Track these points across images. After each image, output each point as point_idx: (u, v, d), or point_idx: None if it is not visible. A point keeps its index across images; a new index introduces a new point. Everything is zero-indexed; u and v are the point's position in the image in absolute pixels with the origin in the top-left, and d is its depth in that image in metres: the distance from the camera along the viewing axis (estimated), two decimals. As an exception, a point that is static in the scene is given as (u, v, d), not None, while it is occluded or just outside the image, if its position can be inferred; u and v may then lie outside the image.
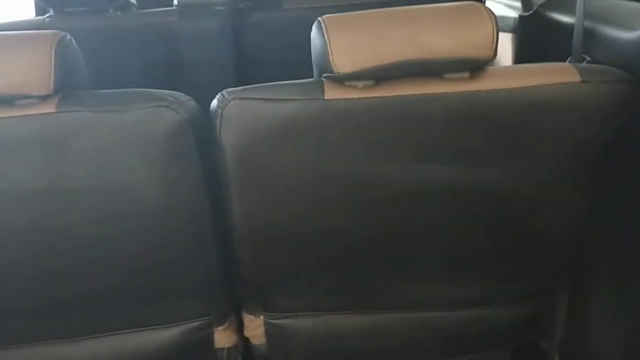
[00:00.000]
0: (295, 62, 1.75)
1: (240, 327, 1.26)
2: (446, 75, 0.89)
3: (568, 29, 1.16)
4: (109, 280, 1.04)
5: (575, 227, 1.07)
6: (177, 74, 1.70)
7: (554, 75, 0.89)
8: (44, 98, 0.87)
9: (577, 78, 0.88)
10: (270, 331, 1.21)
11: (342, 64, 0.86)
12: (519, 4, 1.67)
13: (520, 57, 1.62)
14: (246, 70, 1.76)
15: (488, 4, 1.87)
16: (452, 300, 1.18)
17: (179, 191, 0.95)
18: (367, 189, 0.95)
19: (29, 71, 0.85)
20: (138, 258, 1.03)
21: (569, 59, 1.11)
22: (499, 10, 1.82)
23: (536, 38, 1.55)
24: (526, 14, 1.61)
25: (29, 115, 0.87)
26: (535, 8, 1.58)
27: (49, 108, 0.87)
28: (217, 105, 0.90)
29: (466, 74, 0.89)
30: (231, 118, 0.89)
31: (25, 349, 1.11)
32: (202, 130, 0.94)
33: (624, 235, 1.10)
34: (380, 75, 0.88)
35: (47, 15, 1.75)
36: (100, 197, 0.93)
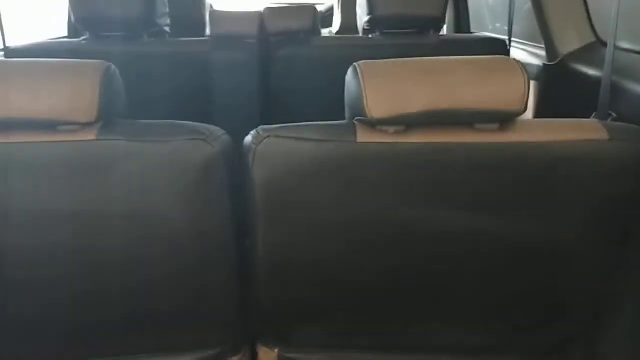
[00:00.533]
0: (318, 92, 1.80)
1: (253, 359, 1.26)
2: (476, 126, 0.91)
3: (594, 82, 1.19)
4: (134, 304, 1.06)
5: (595, 281, 1.07)
6: (205, 100, 1.74)
7: (582, 131, 0.91)
8: (86, 125, 0.90)
9: (605, 136, 0.90)
10: None
11: (376, 109, 0.89)
12: (543, 53, 1.71)
13: (542, 105, 1.64)
14: (271, 98, 1.80)
15: (513, 50, 1.91)
16: (469, 347, 1.18)
17: (207, 221, 0.98)
18: (392, 231, 0.96)
19: (75, 99, 0.88)
20: (164, 283, 1.04)
21: (594, 114, 1.13)
22: (523, 56, 1.85)
23: (560, 88, 1.58)
24: (551, 63, 1.64)
25: (70, 141, 0.89)
26: (560, 58, 1.61)
27: (90, 135, 0.90)
28: (252, 142, 0.92)
29: (496, 125, 0.91)
30: (264, 155, 0.91)
31: None
32: (233, 163, 0.97)
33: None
34: (412, 121, 0.91)
35: (83, 38, 1.80)
36: (133, 222, 0.95)
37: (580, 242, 1.00)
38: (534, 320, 1.14)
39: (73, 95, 0.88)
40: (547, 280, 1.06)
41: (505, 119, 0.91)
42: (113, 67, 0.94)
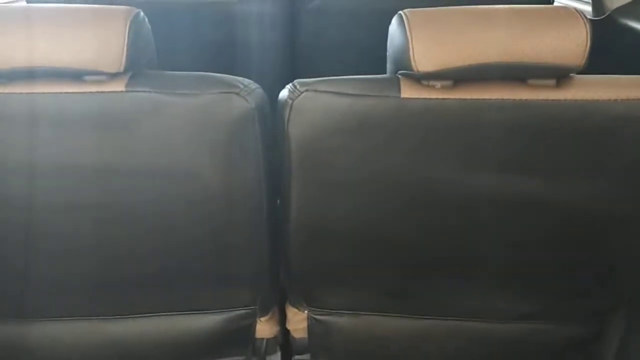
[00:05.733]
0: (352, 47, 1.72)
1: (282, 320, 1.24)
2: (530, 82, 0.84)
3: None
4: (163, 262, 1.03)
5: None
6: (232, 54, 1.67)
7: None
8: (113, 76, 0.85)
9: None
10: (313, 326, 1.19)
11: (423, 62, 0.83)
12: (589, 8, 1.61)
13: (588, 62, 1.55)
14: (302, 53, 1.72)
15: (555, 5, 1.80)
16: (500, 313, 1.14)
17: (239, 178, 0.93)
18: (432, 194, 0.91)
19: (101, 48, 0.83)
20: (193, 242, 1.01)
21: None
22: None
23: (607, 44, 1.49)
24: (597, 18, 1.55)
25: (97, 92, 0.85)
26: (607, 13, 1.52)
27: (118, 87, 0.85)
28: (288, 96, 0.87)
29: (552, 82, 0.84)
30: (301, 110, 0.86)
31: (75, 322, 1.11)
32: (267, 119, 0.92)
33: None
34: (461, 76, 0.84)
35: None
36: (162, 179, 0.91)
37: (627, 206, 0.94)
38: (575, 288, 1.10)
39: (100, 43, 0.83)
40: (597, 248, 1.01)
41: (562, 75, 0.84)
42: (142, 13, 0.88)
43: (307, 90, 0.85)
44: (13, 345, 1.13)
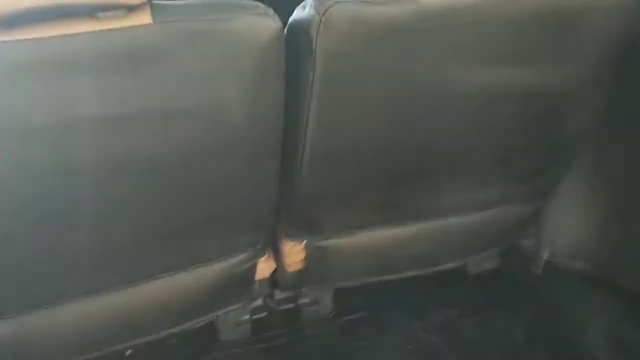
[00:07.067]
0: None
1: (276, 257, 1.24)
2: None
3: None
4: (179, 214, 0.96)
5: (588, 125, 1.19)
6: None
7: None
8: (134, 8, 0.75)
9: None
10: (312, 254, 1.21)
11: None
12: None
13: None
14: None
15: None
16: (476, 203, 1.26)
17: (262, 108, 0.90)
18: (442, 94, 0.96)
19: None
20: (210, 188, 0.96)
21: None
22: None
23: None
24: None
25: (118, 28, 0.75)
26: None
27: (143, 19, 0.75)
28: (315, 12, 0.85)
29: None
30: (330, 24, 0.84)
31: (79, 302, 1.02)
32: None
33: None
34: None
35: None
36: (190, 118, 0.83)
37: (581, 86, 1.08)
38: (533, 169, 1.25)
39: None
40: (549, 126, 1.15)
41: None
42: None
43: (336, 2, 0.84)
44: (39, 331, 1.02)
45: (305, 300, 1.36)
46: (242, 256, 1.13)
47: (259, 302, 1.34)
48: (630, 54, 1.03)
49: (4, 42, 0.70)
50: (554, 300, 1.46)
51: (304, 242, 1.19)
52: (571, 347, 1.34)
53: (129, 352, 1.26)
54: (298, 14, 0.88)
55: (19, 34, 0.71)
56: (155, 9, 0.77)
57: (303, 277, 1.26)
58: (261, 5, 0.85)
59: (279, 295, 1.35)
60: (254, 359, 1.32)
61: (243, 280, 1.19)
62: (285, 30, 0.88)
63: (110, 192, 0.87)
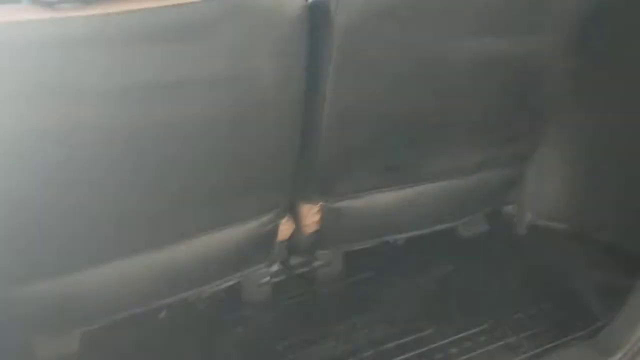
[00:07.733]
0: None
1: (294, 218, 1.37)
2: None
3: None
4: (212, 176, 1.07)
5: (558, 90, 1.36)
6: None
7: None
8: None
9: None
10: (327, 215, 1.32)
11: None
12: None
13: None
14: None
15: None
16: (466, 167, 1.41)
17: (289, 73, 1.01)
18: (450, 60, 1.12)
19: None
20: (241, 151, 1.08)
21: None
22: None
23: None
24: None
25: (171, 5, 0.86)
26: None
27: None
28: None
29: None
30: (346, 1, 0.97)
31: (121, 261, 1.12)
32: None
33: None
34: None
35: None
36: (231, 85, 0.96)
37: (557, 53, 1.23)
38: (515, 133, 1.41)
39: None
40: (526, 92, 1.29)
41: None
42: None
43: None
44: (63, 296, 1.11)
45: (318, 262, 1.50)
46: (267, 217, 1.25)
47: (277, 267, 1.48)
48: (593, 24, 1.22)
49: (77, 17, 0.82)
50: (538, 255, 1.62)
51: (319, 204, 1.32)
52: (555, 291, 1.51)
53: (163, 313, 1.38)
54: None
55: (89, 9, 0.82)
56: None
57: (318, 239, 1.39)
58: None
59: (294, 260, 1.50)
60: (275, 317, 1.45)
61: (267, 241, 1.31)
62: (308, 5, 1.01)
63: (161, 153, 0.99)
